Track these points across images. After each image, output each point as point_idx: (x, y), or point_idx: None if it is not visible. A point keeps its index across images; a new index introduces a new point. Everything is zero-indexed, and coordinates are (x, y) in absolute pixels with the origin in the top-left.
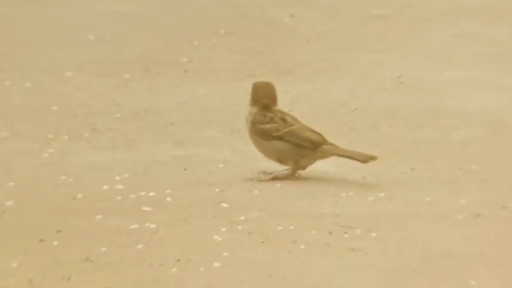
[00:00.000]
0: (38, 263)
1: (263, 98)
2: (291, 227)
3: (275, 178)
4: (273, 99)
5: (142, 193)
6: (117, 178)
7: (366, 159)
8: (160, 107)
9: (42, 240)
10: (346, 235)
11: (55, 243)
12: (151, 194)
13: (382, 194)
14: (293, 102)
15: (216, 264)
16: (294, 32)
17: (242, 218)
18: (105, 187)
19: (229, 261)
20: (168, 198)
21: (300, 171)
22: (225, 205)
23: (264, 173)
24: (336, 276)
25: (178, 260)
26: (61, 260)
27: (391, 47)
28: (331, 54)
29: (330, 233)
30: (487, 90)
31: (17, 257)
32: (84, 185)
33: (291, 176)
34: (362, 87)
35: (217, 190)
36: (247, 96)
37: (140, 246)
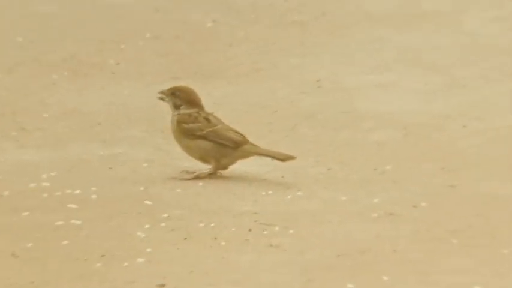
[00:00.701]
0: None
1: (198, 100)
2: (212, 225)
3: (197, 177)
4: (192, 98)
5: (68, 191)
6: (44, 176)
7: (285, 158)
8: (88, 108)
9: None
10: (265, 232)
11: None
12: (77, 191)
13: (300, 193)
14: (215, 105)
15: (140, 259)
16: (216, 36)
17: (165, 215)
18: (32, 185)
19: (152, 256)
20: (93, 196)
21: (221, 171)
22: (148, 203)
23: (187, 172)
24: (255, 272)
25: (103, 256)
26: None
27: (310, 51)
28: (252, 58)
29: (250, 230)
30: (400, 93)
31: None
32: (11, 182)
33: (213, 175)
34: (282, 91)
35: (141, 188)
36: None
37: (65, 242)
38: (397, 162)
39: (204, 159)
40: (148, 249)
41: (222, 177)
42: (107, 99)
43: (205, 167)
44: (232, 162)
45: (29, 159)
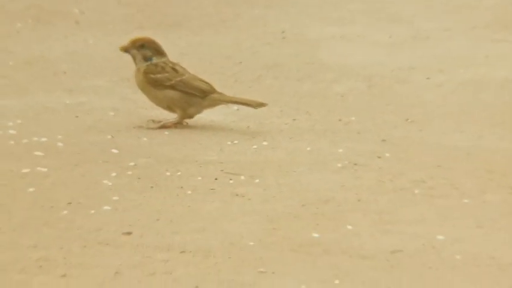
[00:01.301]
0: None
1: (163, 49)
2: (179, 173)
3: (163, 126)
4: (159, 50)
5: (35, 138)
6: (10, 124)
7: (256, 105)
8: (52, 56)
9: None
10: (231, 181)
11: None
12: (43, 139)
13: (265, 143)
14: (181, 55)
15: (106, 207)
16: None
17: (131, 163)
18: None
19: (118, 204)
20: (60, 144)
21: (187, 120)
22: (115, 151)
23: (153, 121)
24: (220, 220)
25: (69, 203)
26: None
27: (275, 3)
28: (217, 9)
29: (216, 179)
30: (364, 45)
31: None
32: None
33: (179, 124)
34: (247, 42)
35: (108, 137)
36: None
37: (32, 189)
38: (361, 114)
39: (171, 108)
40: (115, 197)
41: (188, 126)
42: (71, 48)
43: (171, 116)
44: (199, 112)
45: None
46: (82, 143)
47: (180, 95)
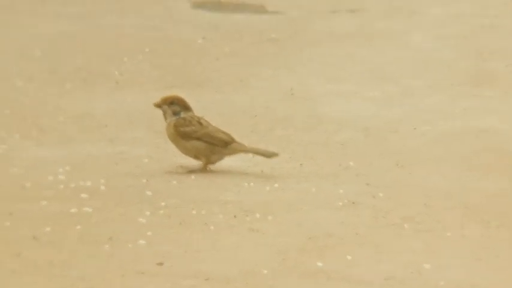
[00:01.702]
0: None
1: (189, 105)
2: (203, 212)
3: (190, 172)
4: (187, 106)
5: (81, 183)
6: (60, 170)
7: (269, 154)
8: (96, 112)
9: None
10: (248, 218)
11: (7, 224)
12: (88, 183)
13: (276, 185)
14: (204, 110)
15: (141, 241)
16: (205, 51)
17: (163, 203)
18: (50, 177)
19: (152, 239)
20: (102, 187)
21: (210, 166)
22: (149, 193)
23: (181, 167)
24: (239, 252)
25: (110, 238)
26: (12, 238)
27: (284, 65)
28: (235, 70)
29: (235, 216)
30: (359, 100)
31: None
32: (32, 175)
33: (204, 170)
34: (260, 98)
35: (143, 181)
36: None
37: (78, 226)
38: (358, 159)
39: (197, 157)
40: (149, 233)
41: (210, 171)
42: (112, 105)
43: (196, 163)
44: (221, 159)
45: (47, 156)
46: (121, 187)
47: (205, 145)
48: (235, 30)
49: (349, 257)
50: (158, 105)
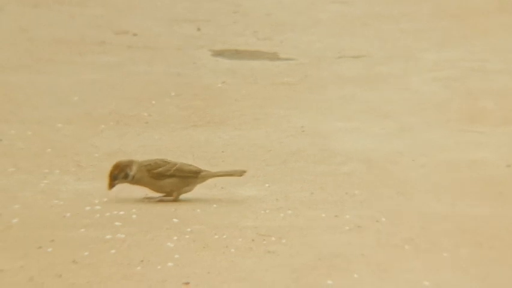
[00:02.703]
0: (36, 264)
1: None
2: (224, 236)
3: (161, 200)
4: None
5: (115, 212)
6: (96, 201)
7: (238, 173)
8: (128, 149)
9: (39, 247)
10: (264, 242)
11: (49, 249)
12: (122, 212)
13: (290, 212)
14: (224, 145)
15: (170, 263)
16: (225, 93)
17: (188, 229)
18: (87, 208)
19: (179, 261)
20: (134, 216)
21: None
22: (176, 220)
23: (147, 198)
24: (256, 271)
25: (142, 261)
26: (54, 262)
27: (296, 105)
28: (252, 110)
29: (253, 240)
30: (363, 136)
31: (21, 260)
32: (71, 206)
33: (176, 200)
34: (275, 134)
35: (172, 209)
36: (191, 141)
37: (113, 251)
38: (362, 188)
39: (172, 191)
40: (176, 256)
41: (230, 200)
42: (143, 143)
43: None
44: (192, 189)
45: (85, 189)
46: (151, 215)
47: (178, 179)
48: (251, 74)
49: (355, 275)
50: (111, 184)
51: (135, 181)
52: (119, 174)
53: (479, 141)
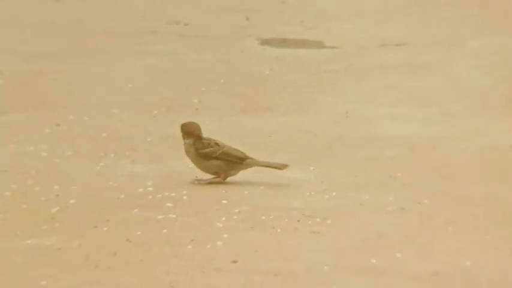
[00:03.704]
0: (92, 243)
1: (196, 131)
2: (271, 217)
3: (210, 183)
4: (201, 131)
5: (166, 193)
6: (149, 183)
7: (281, 166)
8: (179, 134)
9: (95, 227)
10: (310, 222)
11: (105, 229)
12: (173, 194)
13: (334, 193)
14: (272, 131)
15: (219, 243)
16: (272, 81)
17: (236, 210)
18: (140, 189)
19: (228, 240)
20: (185, 197)
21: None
22: (224, 201)
23: (197, 179)
24: (302, 251)
25: (192, 240)
26: (109, 241)
27: (341, 92)
28: (298, 97)
29: (298, 221)
30: (406, 121)
31: (78, 239)
32: (125, 188)
33: (223, 181)
34: (320, 120)
35: (222, 191)
36: (239, 127)
37: (165, 230)
38: (405, 171)
39: (216, 173)
40: (225, 235)
41: (277, 182)
42: None
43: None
44: (237, 173)
45: (138, 171)
46: (201, 196)
47: (223, 163)
48: (298, 62)
49: (398, 255)
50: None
51: (186, 150)
52: (181, 131)
53: None
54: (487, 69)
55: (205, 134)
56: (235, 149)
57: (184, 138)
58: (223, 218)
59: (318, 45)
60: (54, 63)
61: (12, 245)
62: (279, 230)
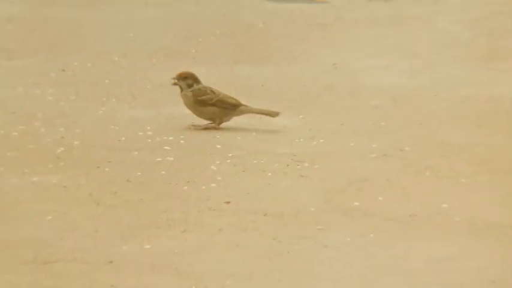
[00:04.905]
0: (95, 182)
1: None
2: (262, 161)
3: (206, 128)
4: (197, 79)
5: (165, 137)
6: (148, 127)
7: (273, 114)
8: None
9: (98, 167)
10: (298, 167)
11: (107, 169)
12: (171, 138)
13: (322, 140)
14: (264, 80)
15: (213, 184)
16: (265, 33)
17: (230, 154)
18: (140, 133)
19: (221, 182)
20: (182, 141)
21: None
22: (219, 146)
23: (194, 125)
24: (290, 193)
25: (188, 182)
26: (111, 180)
27: (329, 44)
28: (289, 48)
29: (288, 165)
30: (391, 72)
31: (81, 178)
32: (126, 131)
33: (217, 127)
34: (310, 71)
35: (217, 136)
36: (233, 75)
37: (163, 172)
38: (388, 120)
39: (212, 118)
40: (219, 178)
41: (268, 129)
42: None
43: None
44: (230, 119)
45: (138, 116)
46: (197, 141)
47: (219, 109)
48: (290, 16)
49: (380, 198)
50: (174, 82)
51: (183, 96)
52: (187, 79)
53: (499, 78)
54: (469, 23)
55: (206, 80)
56: (230, 97)
57: (189, 86)
58: (218, 162)
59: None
60: (60, 10)
61: (20, 181)
62: (269, 174)
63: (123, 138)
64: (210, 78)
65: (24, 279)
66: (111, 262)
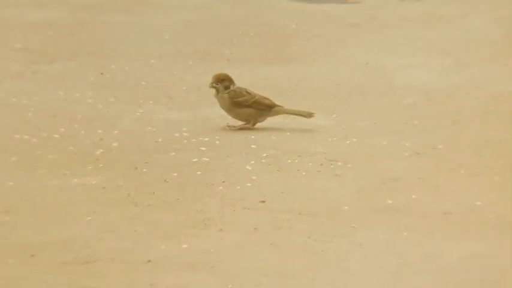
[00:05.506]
0: (133, 182)
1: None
2: (296, 161)
3: (241, 128)
4: (232, 80)
5: (200, 138)
6: (184, 129)
7: (307, 114)
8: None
9: (136, 168)
10: (332, 166)
11: (144, 170)
12: (206, 139)
13: (355, 139)
14: (297, 80)
15: (248, 184)
16: (298, 34)
17: (264, 154)
18: (177, 134)
19: (256, 182)
20: (217, 142)
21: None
22: (253, 146)
23: (228, 126)
24: (324, 192)
25: (223, 181)
26: (148, 181)
27: (361, 44)
28: (322, 49)
29: (321, 164)
30: (423, 71)
31: (120, 178)
32: (163, 133)
33: (252, 128)
34: (342, 70)
35: (252, 137)
36: (267, 76)
37: (199, 172)
38: (421, 118)
39: (247, 120)
40: (254, 177)
41: (302, 128)
42: None
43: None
44: (265, 119)
45: (175, 117)
46: (232, 141)
47: (254, 111)
48: (322, 17)
49: (413, 196)
50: (212, 85)
51: (219, 98)
52: (224, 82)
53: None
54: (500, 22)
55: (241, 81)
56: (265, 98)
57: (226, 88)
58: (252, 161)
59: (341, 0)
60: (98, 14)
61: (61, 183)
62: (303, 173)
63: (160, 140)
64: (243, 80)
65: (64, 279)
66: (149, 261)
